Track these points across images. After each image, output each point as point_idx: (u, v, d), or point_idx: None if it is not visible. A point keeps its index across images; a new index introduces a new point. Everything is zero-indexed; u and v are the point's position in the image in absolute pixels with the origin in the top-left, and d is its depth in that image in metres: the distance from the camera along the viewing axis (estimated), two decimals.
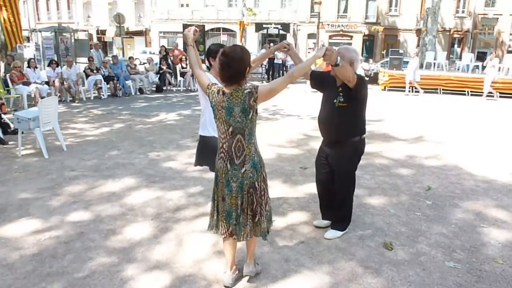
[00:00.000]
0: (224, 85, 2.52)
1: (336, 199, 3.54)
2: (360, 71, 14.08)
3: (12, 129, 6.98)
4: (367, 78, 19.27)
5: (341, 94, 3.19)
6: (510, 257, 3.29)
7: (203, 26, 22.64)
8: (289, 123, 8.80)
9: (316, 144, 6.86)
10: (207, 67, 3.70)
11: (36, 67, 11.46)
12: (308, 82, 3.56)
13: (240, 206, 2.59)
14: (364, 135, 3.43)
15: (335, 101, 3.23)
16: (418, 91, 14.72)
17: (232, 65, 2.44)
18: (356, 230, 3.69)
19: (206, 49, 2.86)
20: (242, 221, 2.60)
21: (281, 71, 17.52)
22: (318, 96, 3.56)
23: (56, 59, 13.34)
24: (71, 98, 11.51)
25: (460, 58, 22.08)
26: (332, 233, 3.55)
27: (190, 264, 3.10)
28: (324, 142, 3.55)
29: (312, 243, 3.46)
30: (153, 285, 2.84)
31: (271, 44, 20.78)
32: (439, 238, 3.59)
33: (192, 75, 14.48)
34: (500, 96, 14.17)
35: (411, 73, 14.62)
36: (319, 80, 3.44)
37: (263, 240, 2.90)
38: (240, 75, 2.47)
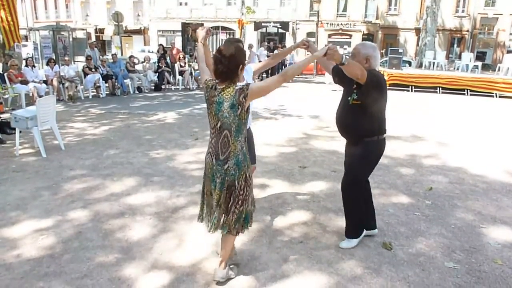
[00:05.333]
0: (219, 81, 2.58)
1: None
2: None
3: (9, 128, 6.95)
4: None
5: (355, 91, 3.07)
6: (510, 258, 3.29)
7: (202, 24, 22.63)
8: (289, 122, 8.78)
9: (316, 143, 6.89)
10: None
11: (34, 66, 11.41)
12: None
13: (218, 202, 2.65)
14: (383, 136, 3.21)
15: (349, 98, 3.12)
16: None
17: (224, 62, 2.50)
18: None
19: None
20: (217, 215, 2.68)
21: (280, 70, 17.51)
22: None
23: (54, 58, 13.29)
24: (68, 98, 11.32)
25: (460, 57, 22.09)
26: (345, 243, 3.38)
27: (189, 263, 3.08)
28: (345, 143, 3.41)
29: (311, 243, 3.45)
30: (152, 285, 2.83)
31: (271, 43, 20.81)
32: (438, 238, 3.59)
33: (191, 74, 14.50)
34: (500, 97, 14.17)
35: None
36: (341, 75, 3.18)
37: (233, 235, 2.77)
38: (231, 73, 2.53)
